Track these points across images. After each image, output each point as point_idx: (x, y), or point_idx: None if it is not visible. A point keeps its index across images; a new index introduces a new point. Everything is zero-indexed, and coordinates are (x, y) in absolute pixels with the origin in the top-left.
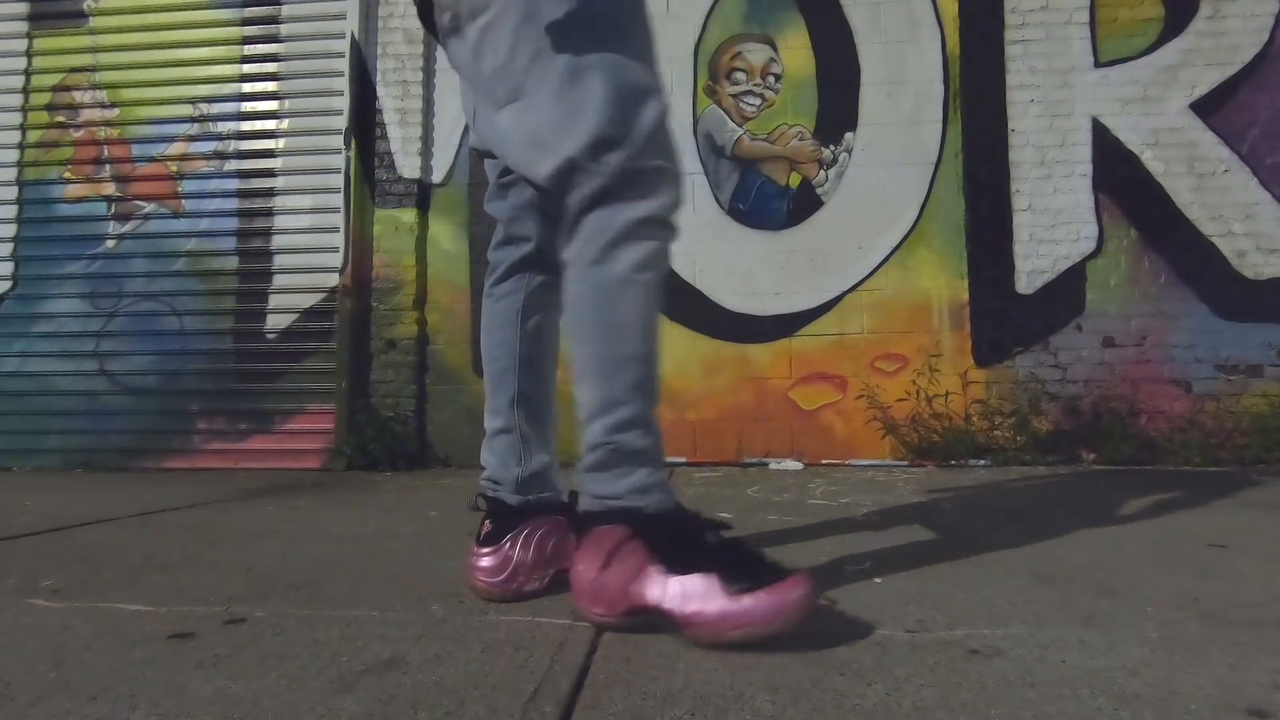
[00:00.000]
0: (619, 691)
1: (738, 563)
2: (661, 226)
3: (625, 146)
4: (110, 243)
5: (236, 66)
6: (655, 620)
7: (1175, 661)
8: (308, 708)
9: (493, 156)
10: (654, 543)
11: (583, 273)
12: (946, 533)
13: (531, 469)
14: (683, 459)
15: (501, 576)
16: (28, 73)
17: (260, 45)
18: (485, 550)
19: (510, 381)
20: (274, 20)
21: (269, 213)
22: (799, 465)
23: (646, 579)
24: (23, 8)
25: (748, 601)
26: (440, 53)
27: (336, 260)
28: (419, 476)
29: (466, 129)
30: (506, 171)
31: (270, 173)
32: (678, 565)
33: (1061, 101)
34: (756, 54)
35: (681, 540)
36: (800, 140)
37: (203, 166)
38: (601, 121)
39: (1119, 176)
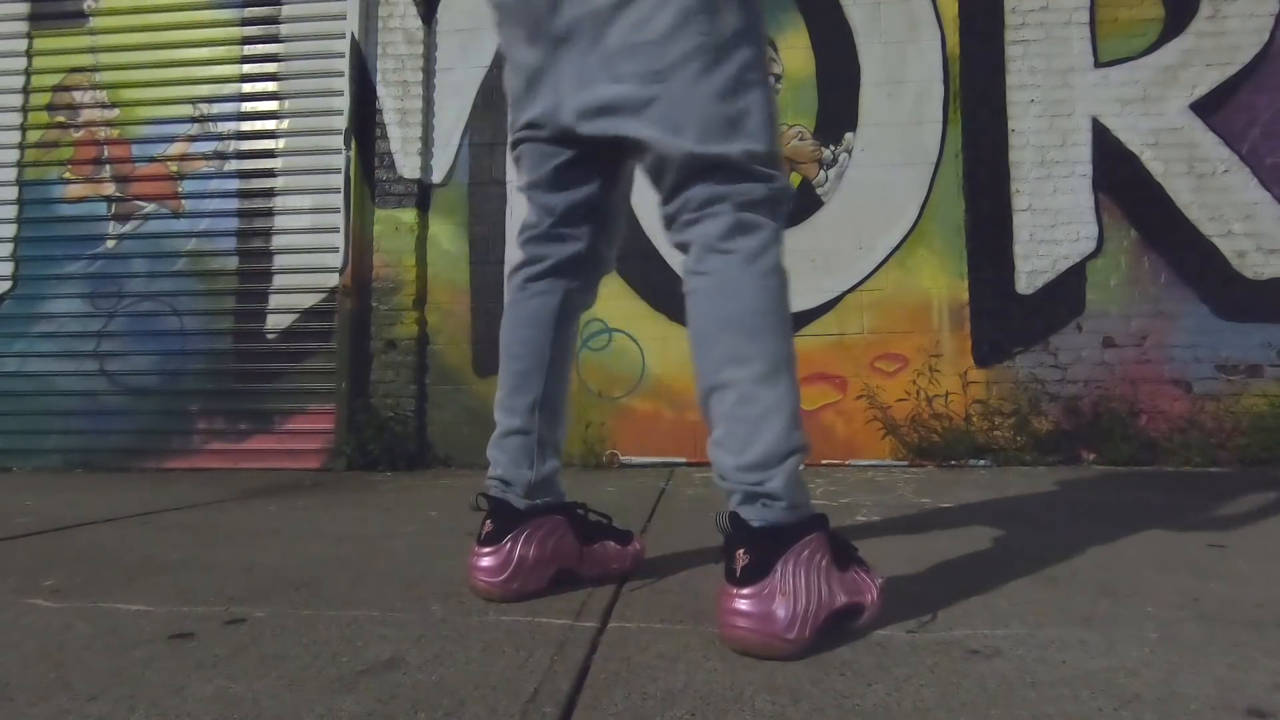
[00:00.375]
0: (619, 691)
1: (847, 546)
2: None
3: (778, 168)
4: (110, 243)
5: (236, 66)
6: (833, 625)
7: (1175, 662)
8: (308, 708)
9: (555, 140)
10: (833, 542)
11: (769, 267)
12: (946, 533)
13: (543, 473)
14: (683, 459)
15: (502, 576)
16: (28, 73)
17: (260, 45)
18: (486, 550)
19: (535, 384)
20: (274, 20)
21: (269, 213)
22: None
23: (834, 582)
24: (23, 8)
25: (874, 574)
26: (440, 54)
27: (336, 260)
28: (419, 476)
29: (466, 129)
30: (575, 162)
31: (270, 173)
32: (842, 560)
33: (1061, 101)
34: None
35: (835, 535)
36: (800, 140)
37: (203, 166)
38: (767, 139)
39: (1119, 176)
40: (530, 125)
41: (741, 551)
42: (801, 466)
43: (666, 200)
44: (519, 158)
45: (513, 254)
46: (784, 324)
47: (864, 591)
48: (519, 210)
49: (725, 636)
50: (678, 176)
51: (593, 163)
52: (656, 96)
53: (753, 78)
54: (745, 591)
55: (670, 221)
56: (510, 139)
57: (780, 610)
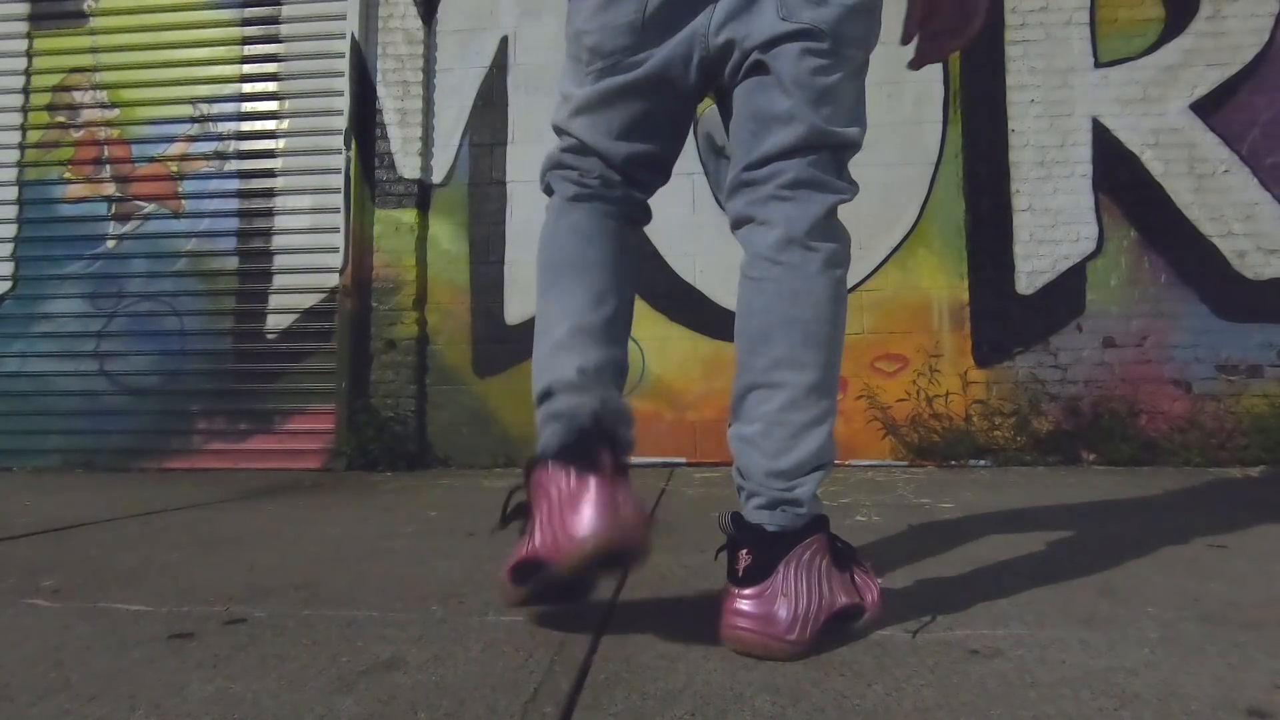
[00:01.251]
0: (619, 692)
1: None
2: None
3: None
4: (110, 243)
5: (236, 66)
6: (833, 626)
7: (1175, 662)
8: (307, 708)
9: (654, 83)
10: (834, 544)
11: (839, 278)
12: (947, 533)
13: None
14: (683, 459)
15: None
16: (28, 73)
17: (260, 45)
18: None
19: (629, 315)
20: (274, 20)
21: (269, 213)
22: None
23: (834, 583)
24: (23, 8)
25: (878, 582)
26: (440, 54)
27: (336, 260)
28: (419, 477)
29: (466, 129)
30: (666, 105)
31: (270, 173)
32: (841, 561)
33: (1061, 102)
34: None
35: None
36: None
37: (203, 166)
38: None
39: (1119, 177)
40: (644, 82)
41: (745, 552)
42: None
43: (755, 165)
44: (609, 103)
45: (525, 230)
46: (841, 339)
47: (864, 593)
48: (519, 210)
49: (726, 637)
50: (785, 143)
51: (686, 106)
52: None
53: (863, 93)
54: (747, 592)
55: (745, 187)
56: (599, 69)
57: (782, 611)
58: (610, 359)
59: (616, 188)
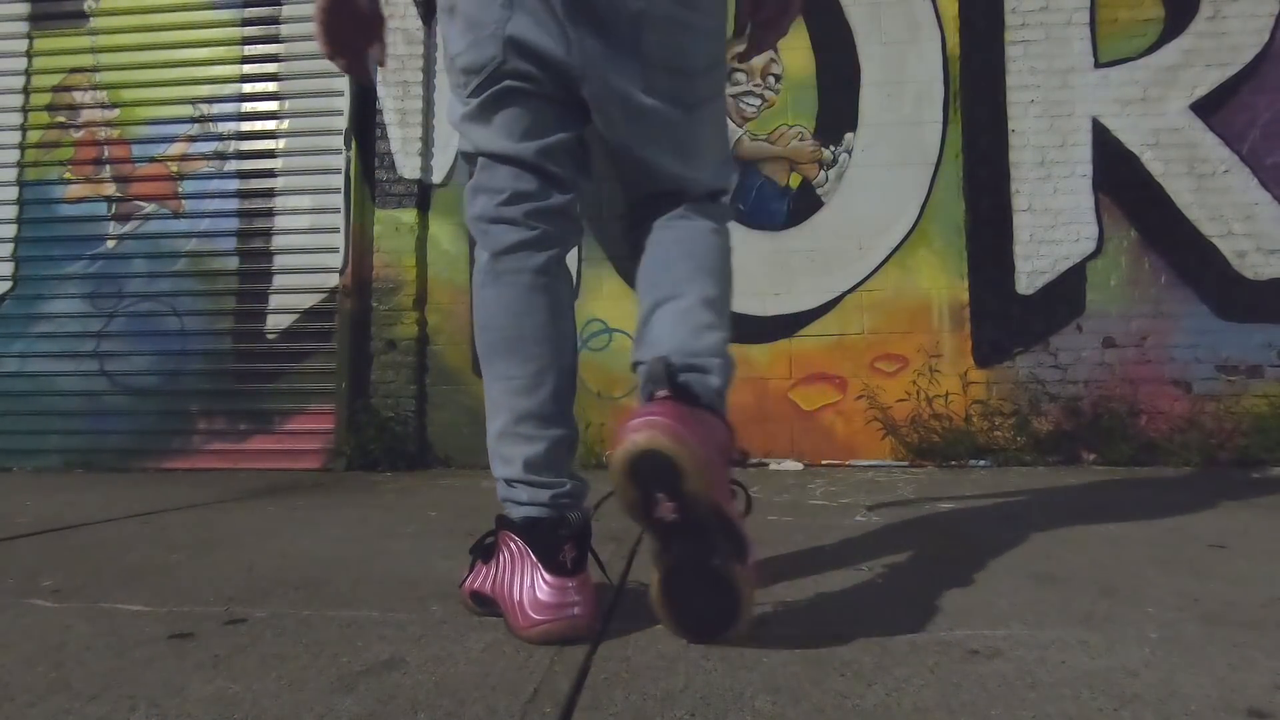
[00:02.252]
0: (619, 692)
1: None
2: None
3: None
4: (110, 243)
5: (236, 66)
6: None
7: (1175, 662)
8: (307, 708)
9: (554, 89)
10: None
11: (726, 236)
12: (946, 533)
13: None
14: None
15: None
16: (28, 73)
17: (260, 45)
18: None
19: (571, 383)
20: (274, 20)
21: (269, 213)
22: (799, 465)
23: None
24: (23, 8)
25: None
26: (440, 54)
27: (336, 260)
28: (419, 477)
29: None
30: (566, 110)
31: (270, 173)
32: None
33: (1061, 102)
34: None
35: None
36: (800, 141)
37: (203, 167)
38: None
39: (1119, 177)
40: (532, 76)
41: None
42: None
43: (644, 204)
44: (498, 108)
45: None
46: (730, 283)
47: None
48: None
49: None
50: (671, 192)
51: (578, 110)
52: (680, 123)
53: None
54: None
55: (641, 220)
56: (479, 83)
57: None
58: (556, 440)
59: (533, 199)
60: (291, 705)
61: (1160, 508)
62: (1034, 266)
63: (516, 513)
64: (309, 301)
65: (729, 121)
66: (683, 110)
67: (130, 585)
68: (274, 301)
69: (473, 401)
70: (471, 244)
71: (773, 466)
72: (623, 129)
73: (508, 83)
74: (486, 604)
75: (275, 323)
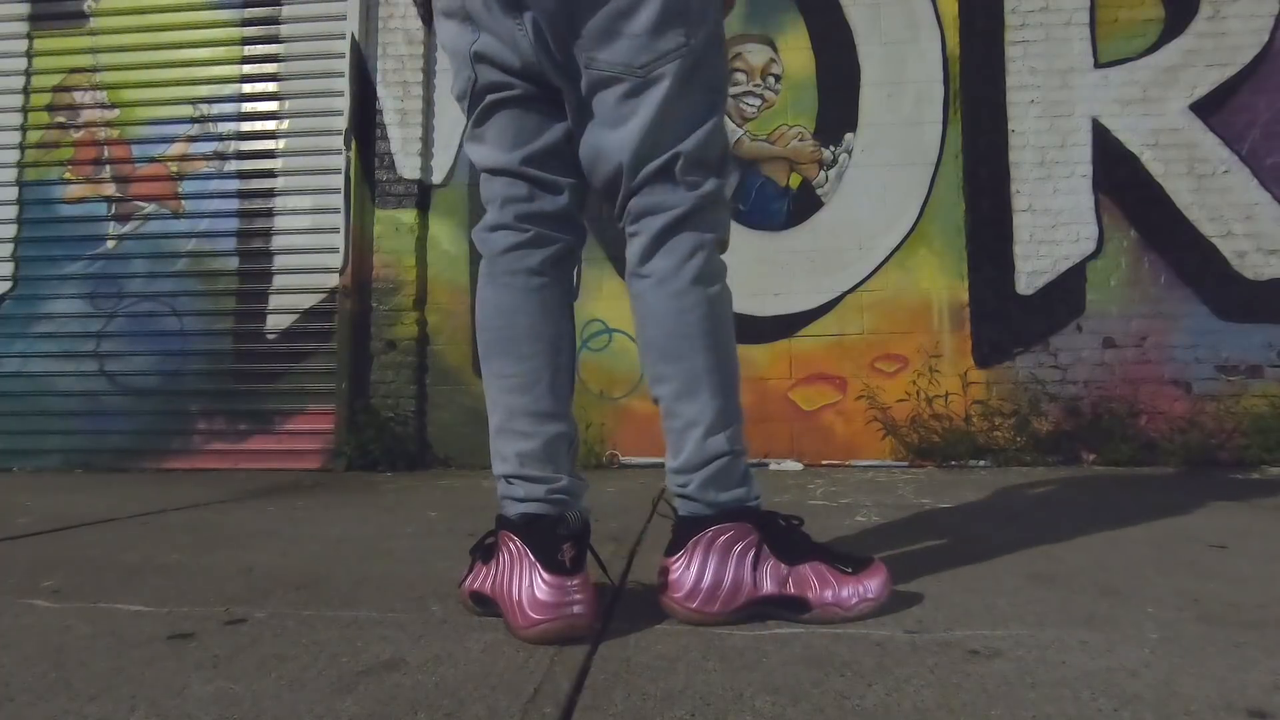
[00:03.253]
0: (619, 692)
1: (830, 550)
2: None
3: (710, 174)
4: (110, 243)
5: (236, 67)
6: (767, 611)
7: (1175, 662)
8: (308, 709)
9: (529, 91)
10: (771, 537)
11: (683, 288)
12: (946, 533)
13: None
14: None
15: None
16: (28, 73)
17: (260, 45)
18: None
19: (569, 380)
20: (274, 20)
21: (269, 213)
22: (799, 466)
23: (764, 572)
24: (23, 8)
25: (867, 581)
26: (440, 54)
27: (336, 261)
28: (419, 477)
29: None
30: (546, 111)
31: (270, 173)
32: (793, 556)
33: (1061, 102)
34: (756, 55)
35: (789, 532)
36: (800, 141)
37: (203, 167)
38: (699, 143)
39: (1119, 177)
40: (505, 84)
41: (672, 528)
42: (743, 461)
43: (618, 209)
44: (486, 124)
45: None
46: (706, 335)
47: (814, 590)
48: None
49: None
50: (635, 188)
51: (556, 106)
52: (631, 98)
53: (717, 99)
54: (666, 561)
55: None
56: (468, 105)
57: (687, 581)
58: (552, 436)
59: (523, 203)
60: (291, 705)
61: (1160, 508)
62: (1034, 266)
63: (514, 509)
64: (309, 301)
65: (728, 120)
66: (633, 82)
67: (130, 585)
68: (274, 301)
69: (473, 401)
70: (471, 245)
71: (773, 467)
72: (576, 115)
73: (488, 98)
74: (486, 604)
75: (275, 323)
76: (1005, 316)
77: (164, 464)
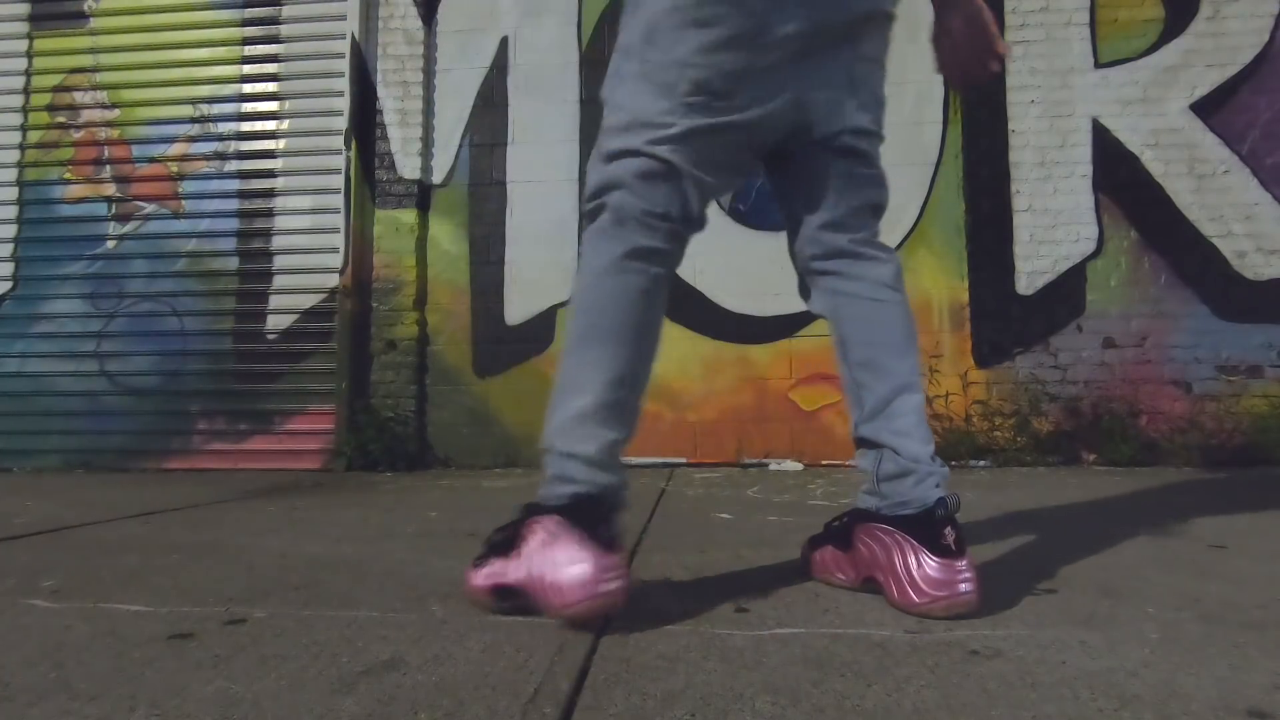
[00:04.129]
0: (619, 692)
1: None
2: None
3: None
4: (111, 243)
5: (237, 67)
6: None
7: (1176, 662)
8: (307, 709)
9: (760, 139)
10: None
11: (898, 281)
12: None
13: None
14: (683, 459)
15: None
16: (28, 73)
17: (260, 46)
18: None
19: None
20: (274, 20)
21: (269, 213)
22: (799, 466)
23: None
24: (23, 8)
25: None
26: (440, 54)
27: (337, 261)
28: (419, 477)
29: (466, 130)
30: (754, 162)
31: (270, 173)
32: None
33: (1061, 102)
34: None
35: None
36: None
37: (203, 167)
38: None
39: (1119, 177)
40: (745, 124)
41: (949, 529)
42: None
43: (852, 214)
44: (698, 143)
45: (525, 230)
46: None
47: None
48: (518, 210)
49: (951, 604)
50: (875, 202)
51: (759, 153)
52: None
53: None
54: (965, 562)
55: (839, 230)
56: (691, 126)
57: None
58: (625, 437)
59: (675, 222)
60: (291, 705)
61: (1160, 508)
62: (1034, 266)
63: (565, 490)
64: (309, 302)
65: None
66: None
67: (130, 585)
68: (274, 301)
69: (473, 401)
70: (471, 245)
71: (773, 466)
72: None
73: (731, 118)
74: (509, 597)
75: (275, 323)
76: (1005, 316)
77: (164, 464)
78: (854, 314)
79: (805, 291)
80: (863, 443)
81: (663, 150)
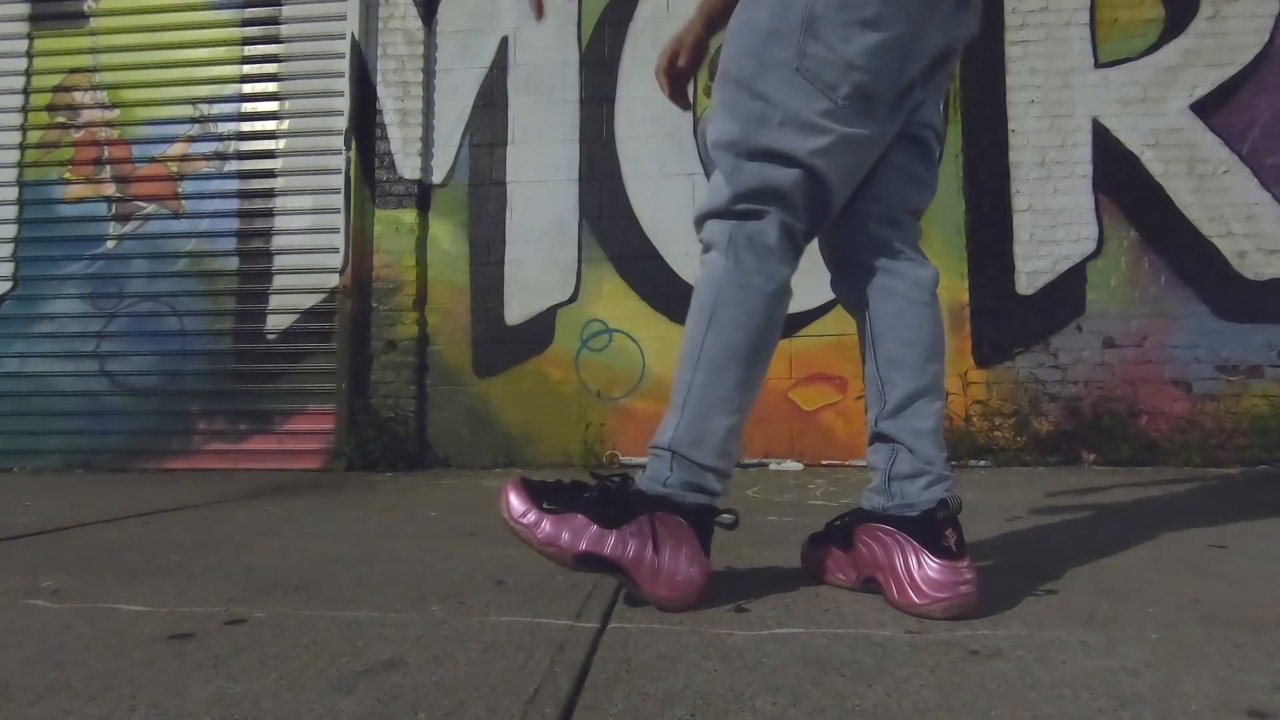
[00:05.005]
0: (619, 692)
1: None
2: None
3: None
4: (110, 243)
5: (237, 67)
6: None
7: (1176, 662)
8: (307, 709)
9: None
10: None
11: (935, 288)
12: None
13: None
14: None
15: None
16: (28, 73)
17: (260, 46)
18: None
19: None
20: (274, 20)
21: (269, 213)
22: (799, 466)
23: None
24: (23, 8)
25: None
26: (440, 54)
27: (337, 261)
28: (419, 477)
29: (467, 130)
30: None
31: (270, 173)
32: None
33: (1061, 102)
34: None
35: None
36: None
37: (203, 167)
38: None
39: (1119, 177)
40: (889, 137)
41: (951, 530)
42: None
43: (903, 211)
44: (848, 154)
45: (525, 230)
46: None
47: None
48: (518, 210)
49: (952, 605)
50: (923, 204)
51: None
52: None
53: None
54: (967, 562)
55: (893, 225)
56: (849, 134)
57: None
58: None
59: (801, 238)
60: (291, 705)
61: (1160, 508)
62: (1034, 266)
63: (697, 499)
64: (309, 302)
65: None
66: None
67: (130, 585)
68: (274, 301)
69: (473, 401)
70: (471, 245)
71: (773, 466)
72: None
73: (882, 129)
74: (599, 567)
75: (275, 323)
76: (1005, 316)
77: (164, 464)
78: (890, 310)
79: (839, 278)
80: (879, 438)
81: (820, 163)
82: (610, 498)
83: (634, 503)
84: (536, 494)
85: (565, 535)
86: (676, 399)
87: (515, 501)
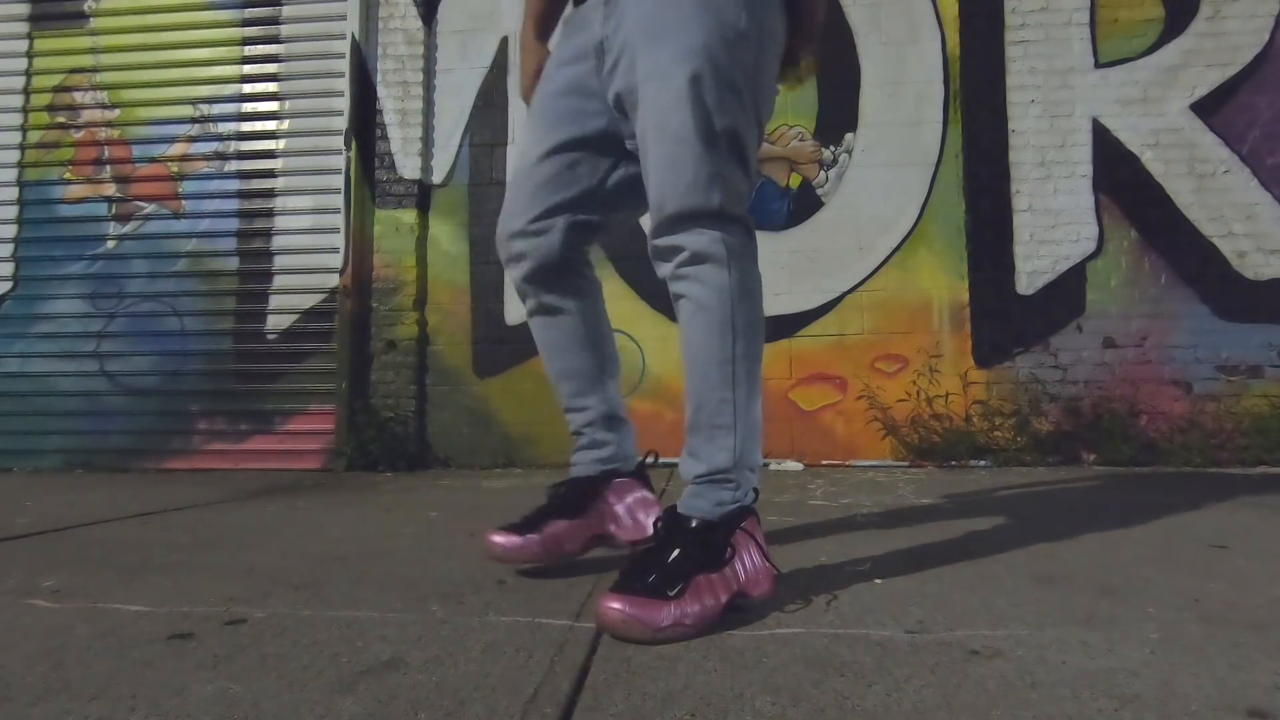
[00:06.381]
0: (619, 692)
1: None
2: None
3: None
4: (111, 243)
5: (237, 67)
6: None
7: (1176, 662)
8: (308, 708)
9: None
10: None
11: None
12: (947, 534)
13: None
14: None
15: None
16: (28, 73)
17: (260, 45)
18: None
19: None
20: (274, 20)
21: (269, 213)
22: (799, 466)
23: None
24: (23, 8)
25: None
26: (440, 54)
27: (337, 261)
28: (419, 477)
29: (467, 129)
30: None
31: (270, 173)
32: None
33: (1061, 102)
34: None
35: None
36: (800, 141)
37: (203, 167)
38: None
39: (1119, 177)
40: None
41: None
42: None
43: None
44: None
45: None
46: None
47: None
48: None
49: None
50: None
51: None
52: None
53: None
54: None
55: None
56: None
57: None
58: None
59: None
60: (291, 705)
61: (1160, 508)
62: (1034, 266)
63: (751, 497)
64: (309, 302)
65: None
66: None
67: (130, 585)
68: (274, 301)
69: (473, 401)
70: (471, 245)
71: (773, 467)
72: None
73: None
74: (734, 609)
75: (275, 323)
76: (1005, 316)
77: (164, 464)
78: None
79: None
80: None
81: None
82: (699, 541)
83: (719, 531)
84: (648, 588)
85: (708, 601)
86: (721, 419)
87: (649, 615)
